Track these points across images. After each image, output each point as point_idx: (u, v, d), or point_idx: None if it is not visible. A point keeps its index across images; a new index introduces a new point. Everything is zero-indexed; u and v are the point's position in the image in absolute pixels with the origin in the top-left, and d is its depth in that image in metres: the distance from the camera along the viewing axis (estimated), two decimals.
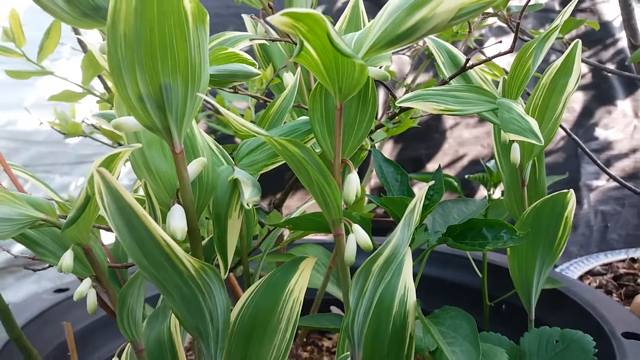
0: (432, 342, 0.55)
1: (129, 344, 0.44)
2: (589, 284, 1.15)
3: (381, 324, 0.45)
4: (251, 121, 0.63)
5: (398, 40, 0.31)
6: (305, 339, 0.91)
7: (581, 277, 1.15)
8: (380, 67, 0.39)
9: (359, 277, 0.37)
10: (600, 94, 1.30)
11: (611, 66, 1.23)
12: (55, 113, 0.75)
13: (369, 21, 0.48)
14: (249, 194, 0.35)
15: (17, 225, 0.35)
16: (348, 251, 0.38)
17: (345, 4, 1.21)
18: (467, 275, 0.88)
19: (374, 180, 1.29)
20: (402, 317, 0.45)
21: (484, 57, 0.60)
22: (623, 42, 1.22)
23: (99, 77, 0.66)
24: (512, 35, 0.51)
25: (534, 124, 0.43)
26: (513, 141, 0.56)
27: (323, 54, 0.31)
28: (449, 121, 1.28)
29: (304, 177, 0.36)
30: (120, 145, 0.77)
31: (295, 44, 0.54)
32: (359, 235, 0.38)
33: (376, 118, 1.03)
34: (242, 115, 0.69)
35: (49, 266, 0.47)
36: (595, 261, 1.23)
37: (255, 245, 0.60)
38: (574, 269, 1.19)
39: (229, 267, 0.39)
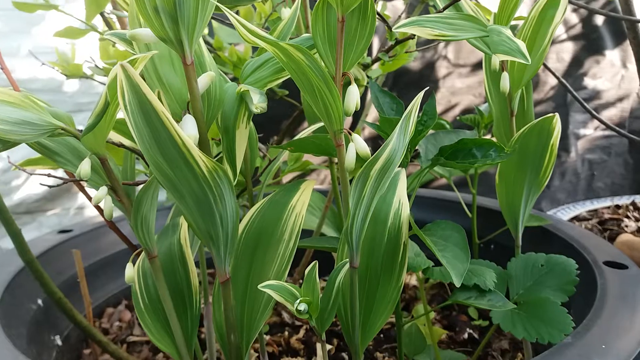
0: (424, 262, 0.59)
1: (142, 252, 0.47)
2: None
3: (377, 234, 0.48)
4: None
5: None
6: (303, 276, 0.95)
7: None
8: None
9: (358, 180, 0.39)
10: (589, 44, 1.30)
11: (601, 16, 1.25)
12: (57, 53, 0.76)
13: None
14: (257, 100, 0.37)
15: (38, 130, 0.37)
16: (348, 159, 0.40)
17: None
18: (458, 217, 0.89)
19: (367, 130, 1.31)
20: (396, 228, 0.48)
21: None
22: None
23: (101, 15, 0.68)
24: None
25: (521, 44, 0.45)
26: (503, 70, 0.58)
27: None
28: (441, 71, 1.29)
29: (307, 87, 0.39)
30: None
31: None
32: (359, 144, 0.41)
33: (371, 55, 1.05)
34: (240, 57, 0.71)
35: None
36: (582, 208, 1.26)
37: (257, 176, 0.63)
38: (561, 215, 1.21)
39: (237, 174, 0.42)
